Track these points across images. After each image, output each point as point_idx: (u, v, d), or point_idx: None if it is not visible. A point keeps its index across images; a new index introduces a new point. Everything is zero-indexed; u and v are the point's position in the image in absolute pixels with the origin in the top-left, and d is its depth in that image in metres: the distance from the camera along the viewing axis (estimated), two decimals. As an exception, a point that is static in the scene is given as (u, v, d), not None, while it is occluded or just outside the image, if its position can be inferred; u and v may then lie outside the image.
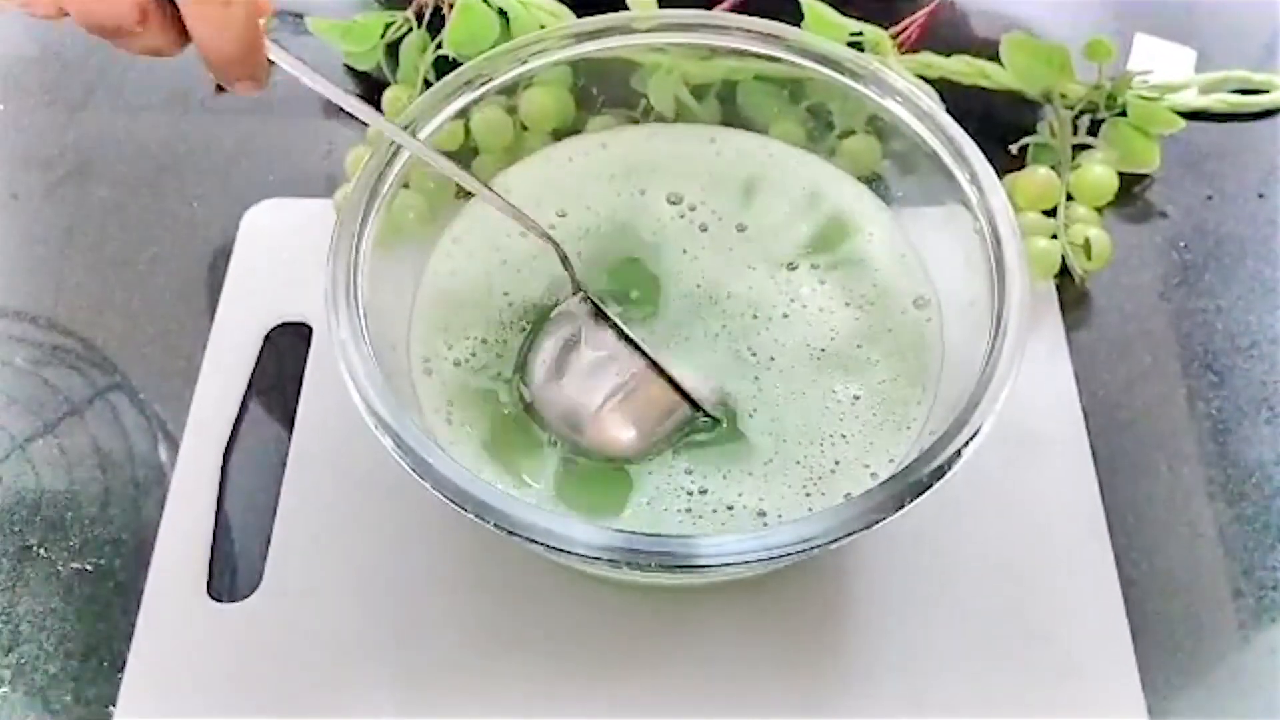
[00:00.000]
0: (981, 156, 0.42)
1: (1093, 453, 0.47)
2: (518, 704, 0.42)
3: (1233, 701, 0.43)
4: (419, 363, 0.43)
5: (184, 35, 0.37)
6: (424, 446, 0.36)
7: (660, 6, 0.51)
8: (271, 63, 0.38)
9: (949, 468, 0.35)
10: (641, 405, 0.42)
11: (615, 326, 0.43)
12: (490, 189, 0.43)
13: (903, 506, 0.35)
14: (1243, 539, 0.46)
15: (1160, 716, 0.42)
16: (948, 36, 0.60)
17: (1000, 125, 0.56)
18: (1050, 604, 0.44)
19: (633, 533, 0.34)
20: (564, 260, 0.43)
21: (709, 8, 0.48)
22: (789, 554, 0.34)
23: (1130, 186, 0.55)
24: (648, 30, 0.46)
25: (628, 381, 0.42)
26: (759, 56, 0.46)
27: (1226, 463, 0.48)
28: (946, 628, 0.44)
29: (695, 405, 0.42)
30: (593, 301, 0.43)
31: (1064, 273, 0.52)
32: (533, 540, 0.34)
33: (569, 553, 0.34)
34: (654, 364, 0.42)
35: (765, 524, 0.39)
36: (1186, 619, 0.44)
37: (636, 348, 0.42)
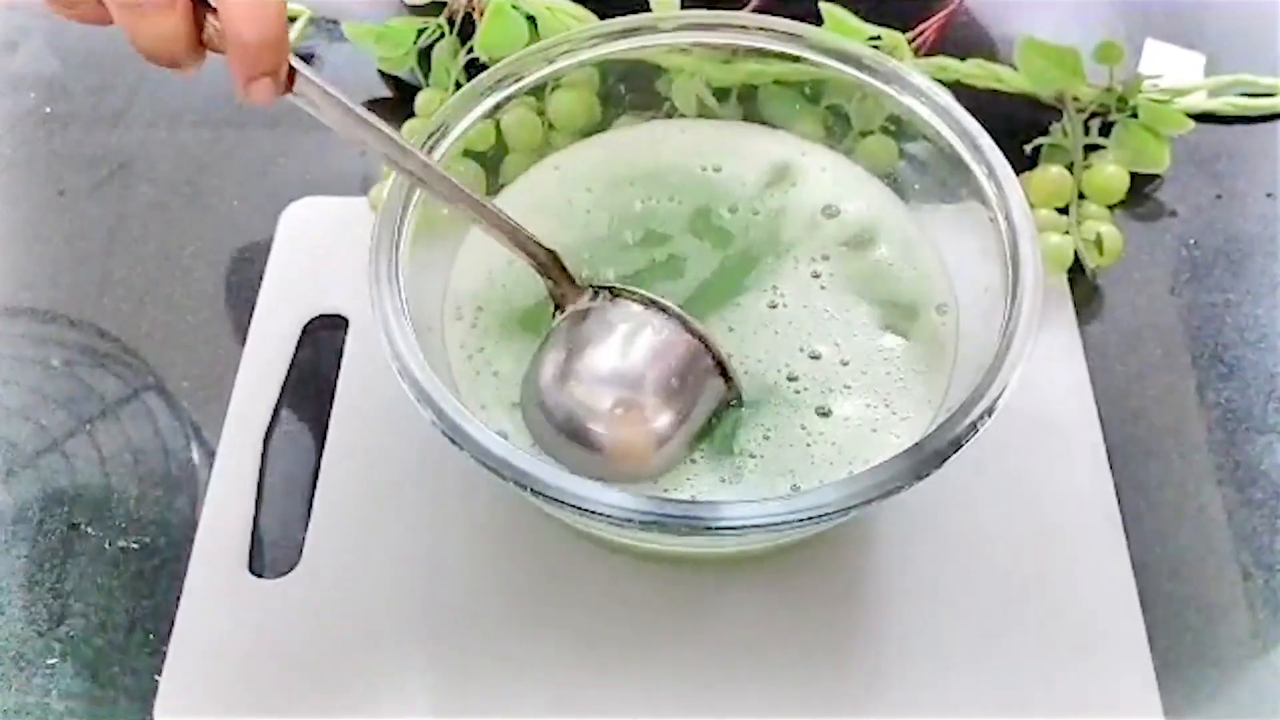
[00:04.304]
0: (997, 150, 0.44)
1: (1105, 441, 0.49)
2: (552, 678, 0.43)
3: (1243, 681, 0.44)
4: (453, 331, 0.45)
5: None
6: (462, 416, 0.37)
7: (684, 8, 0.53)
8: (293, 72, 0.36)
9: (966, 439, 0.37)
10: (666, 379, 0.41)
11: (636, 298, 0.42)
12: (489, 207, 0.41)
13: (921, 476, 0.36)
14: (1252, 523, 0.47)
15: (1172, 695, 0.43)
16: (962, 40, 0.61)
17: (1014, 127, 0.57)
18: (1065, 586, 0.45)
19: (663, 498, 0.36)
20: (560, 268, 0.43)
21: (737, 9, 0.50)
22: (812, 519, 0.35)
23: (1141, 186, 0.57)
24: (671, 30, 0.48)
25: (652, 357, 0.41)
26: (780, 56, 0.47)
27: (1235, 450, 0.49)
28: (964, 609, 0.45)
29: (726, 379, 0.41)
30: (606, 288, 0.43)
31: (1077, 269, 0.53)
32: (566, 504, 0.35)
33: (600, 515, 0.35)
34: (684, 325, 0.41)
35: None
36: (1197, 600, 0.45)
37: (662, 310, 0.42)
